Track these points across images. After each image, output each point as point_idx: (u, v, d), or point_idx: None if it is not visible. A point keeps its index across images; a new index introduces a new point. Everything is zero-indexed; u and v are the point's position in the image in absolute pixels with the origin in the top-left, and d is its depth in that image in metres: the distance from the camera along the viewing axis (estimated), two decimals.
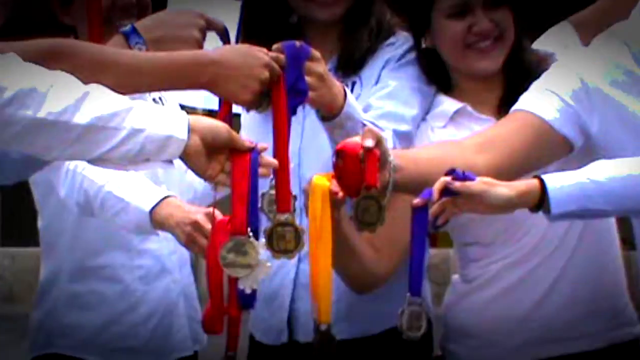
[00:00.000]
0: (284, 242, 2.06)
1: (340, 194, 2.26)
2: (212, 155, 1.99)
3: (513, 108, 2.50)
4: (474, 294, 2.70)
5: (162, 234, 2.80)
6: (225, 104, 2.34)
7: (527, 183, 2.23)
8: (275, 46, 2.26)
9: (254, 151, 2.07)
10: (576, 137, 2.47)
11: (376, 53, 2.72)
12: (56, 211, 2.95)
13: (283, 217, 2.10)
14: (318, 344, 2.27)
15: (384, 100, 2.64)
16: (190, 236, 2.54)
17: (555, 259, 2.62)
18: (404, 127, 2.60)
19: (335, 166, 2.20)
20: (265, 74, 2.11)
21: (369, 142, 2.12)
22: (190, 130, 1.96)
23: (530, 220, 2.49)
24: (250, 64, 2.18)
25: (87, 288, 2.95)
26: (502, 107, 2.62)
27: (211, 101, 2.87)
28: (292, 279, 2.70)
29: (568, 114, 2.47)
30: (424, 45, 2.64)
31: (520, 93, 2.54)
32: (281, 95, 2.19)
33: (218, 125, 2.05)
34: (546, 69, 2.59)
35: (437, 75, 2.68)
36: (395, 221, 2.33)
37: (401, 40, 2.71)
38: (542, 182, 2.23)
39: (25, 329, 3.28)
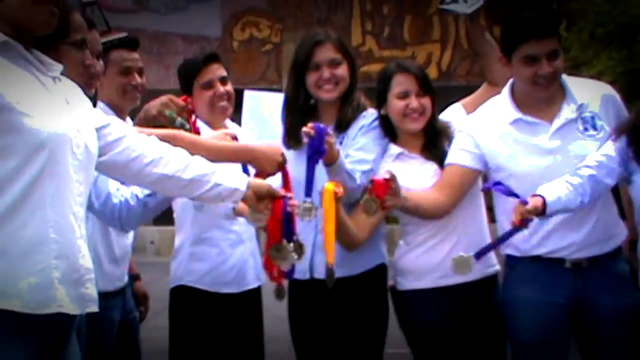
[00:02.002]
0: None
1: (340, 192, 3.14)
2: (260, 199, 2.74)
3: (446, 162, 3.37)
4: (410, 251, 3.53)
5: (240, 219, 3.60)
6: (260, 173, 3.03)
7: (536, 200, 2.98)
8: (309, 125, 3.15)
9: (285, 198, 2.88)
10: (482, 167, 3.36)
11: (356, 121, 3.55)
12: (183, 207, 3.68)
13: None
14: (327, 275, 3.19)
15: (357, 151, 3.46)
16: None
17: (455, 231, 3.45)
18: (367, 167, 3.43)
19: (365, 187, 3.12)
20: (280, 159, 3.01)
21: (387, 175, 3.04)
22: (248, 186, 2.70)
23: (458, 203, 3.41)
24: (272, 153, 3.04)
25: (200, 250, 3.66)
26: (423, 151, 3.51)
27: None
28: (312, 244, 3.46)
29: (474, 156, 3.35)
30: (382, 113, 3.52)
31: (434, 143, 3.47)
32: (286, 173, 3.10)
33: (263, 183, 2.80)
34: (449, 133, 3.49)
35: (389, 131, 3.53)
36: (366, 218, 3.30)
37: (369, 113, 3.58)
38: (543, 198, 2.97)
39: (167, 271, 3.87)
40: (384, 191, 3.04)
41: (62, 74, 2.32)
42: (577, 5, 8.48)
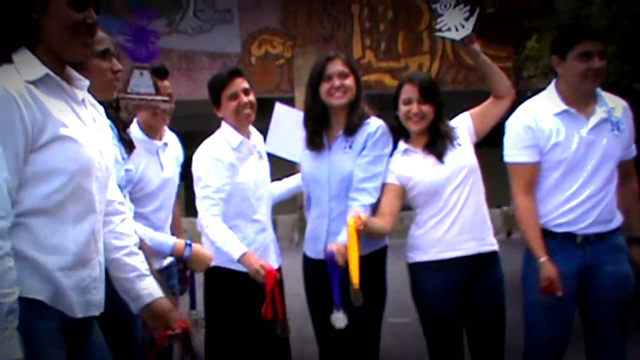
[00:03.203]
0: None
1: (361, 226, 3.25)
2: (156, 318, 2.36)
3: (511, 161, 3.41)
4: (417, 230, 3.57)
5: (263, 209, 3.69)
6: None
7: None
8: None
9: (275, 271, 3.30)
10: (541, 157, 3.35)
11: (361, 127, 3.59)
12: None
13: None
14: (353, 297, 3.24)
15: (369, 166, 3.52)
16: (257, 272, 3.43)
17: (452, 212, 3.48)
18: (378, 183, 3.52)
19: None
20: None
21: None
22: (147, 306, 2.34)
23: (440, 195, 3.49)
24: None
25: None
26: (425, 147, 3.55)
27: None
28: (326, 230, 3.60)
29: (534, 151, 3.36)
30: (396, 114, 3.58)
31: (435, 142, 3.51)
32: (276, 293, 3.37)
33: (165, 306, 2.37)
34: (452, 135, 3.52)
35: (403, 130, 3.60)
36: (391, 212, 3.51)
37: (373, 121, 3.62)
38: None
39: None
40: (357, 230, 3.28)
41: (89, 88, 2.20)
42: (545, 21, 8.57)
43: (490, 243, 3.55)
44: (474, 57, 3.56)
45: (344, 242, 3.31)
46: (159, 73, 3.63)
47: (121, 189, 2.80)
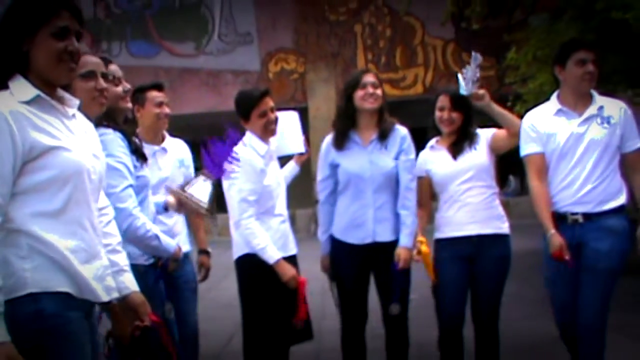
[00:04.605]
0: None
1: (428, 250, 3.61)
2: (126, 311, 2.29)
3: (525, 154, 3.55)
4: (438, 212, 3.79)
5: (282, 204, 3.69)
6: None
7: None
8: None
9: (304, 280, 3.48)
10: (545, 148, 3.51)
11: (392, 131, 3.75)
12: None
13: None
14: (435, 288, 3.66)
15: (410, 168, 3.73)
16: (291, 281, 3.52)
17: (460, 200, 3.71)
18: (415, 200, 3.72)
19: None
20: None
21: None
22: (119, 298, 2.24)
23: (448, 185, 3.72)
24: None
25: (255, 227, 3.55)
26: (449, 146, 3.79)
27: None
28: (372, 218, 3.68)
29: (539, 143, 3.52)
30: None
31: (458, 143, 3.74)
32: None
33: (139, 300, 2.31)
34: (474, 139, 3.74)
35: (436, 131, 3.83)
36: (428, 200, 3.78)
37: (399, 127, 3.77)
38: None
39: (227, 247, 3.83)
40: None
41: (79, 107, 2.17)
42: (522, 35, 8.55)
43: (494, 227, 3.69)
44: (486, 108, 3.64)
45: (405, 245, 3.60)
46: (158, 87, 3.82)
47: (138, 193, 2.84)
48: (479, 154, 3.74)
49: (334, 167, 3.77)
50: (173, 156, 3.87)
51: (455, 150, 3.76)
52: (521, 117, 3.69)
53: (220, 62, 15.73)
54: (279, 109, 3.84)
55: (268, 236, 3.55)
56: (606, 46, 6.30)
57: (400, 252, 3.59)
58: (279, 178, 3.78)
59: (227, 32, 15.75)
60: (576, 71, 3.45)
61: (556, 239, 3.36)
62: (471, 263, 3.65)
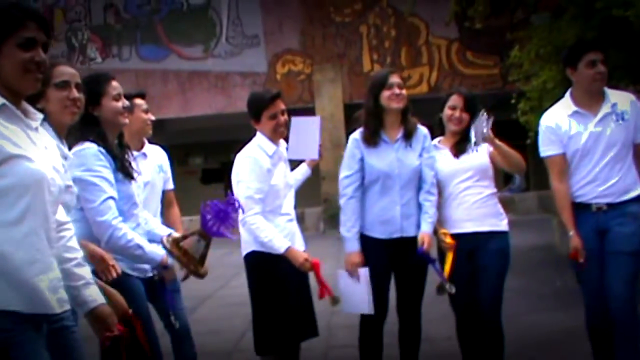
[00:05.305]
0: None
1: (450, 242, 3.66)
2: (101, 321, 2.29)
3: (545, 155, 3.62)
4: (440, 210, 3.79)
5: (289, 203, 3.71)
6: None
7: None
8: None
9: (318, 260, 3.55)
10: (565, 149, 3.59)
11: (416, 131, 3.80)
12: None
13: None
14: (438, 289, 3.65)
15: (433, 165, 3.77)
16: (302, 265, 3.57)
17: (457, 198, 3.77)
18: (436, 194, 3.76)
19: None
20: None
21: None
22: (95, 308, 2.25)
23: (448, 183, 3.76)
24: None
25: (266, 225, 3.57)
26: (452, 146, 3.84)
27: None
28: (400, 214, 3.70)
29: (560, 145, 3.59)
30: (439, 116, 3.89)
31: (460, 142, 3.78)
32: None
33: (119, 305, 2.43)
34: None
35: (440, 130, 3.92)
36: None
37: (421, 127, 3.80)
38: None
39: (237, 246, 3.77)
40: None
41: (45, 118, 2.16)
42: (525, 33, 8.54)
43: (490, 224, 3.76)
44: (496, 150, 3.70)
45: (427, 231, 3.65)
46: (140, 96, 3.82)
47: (123, 204, 2.89)
48: (480, 156, 3.79)
49: (362, 162, 3.77)
50: (153, 161, 3.90)
51: (458, 149, 3.81)
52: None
53: (228, 65, 15.77)
54: (293, 112, 3.85)
55: (273, 227, 3.57)
56: (608, 43, 6.28)
57: (424, 237, 3.63)
58: (288, 178, 3.79)
59: (234, 35, 15.81)
60: (588, 72, 3.52)
61: (576, 240, 3.48)
62: (470, 258, 3.70)
